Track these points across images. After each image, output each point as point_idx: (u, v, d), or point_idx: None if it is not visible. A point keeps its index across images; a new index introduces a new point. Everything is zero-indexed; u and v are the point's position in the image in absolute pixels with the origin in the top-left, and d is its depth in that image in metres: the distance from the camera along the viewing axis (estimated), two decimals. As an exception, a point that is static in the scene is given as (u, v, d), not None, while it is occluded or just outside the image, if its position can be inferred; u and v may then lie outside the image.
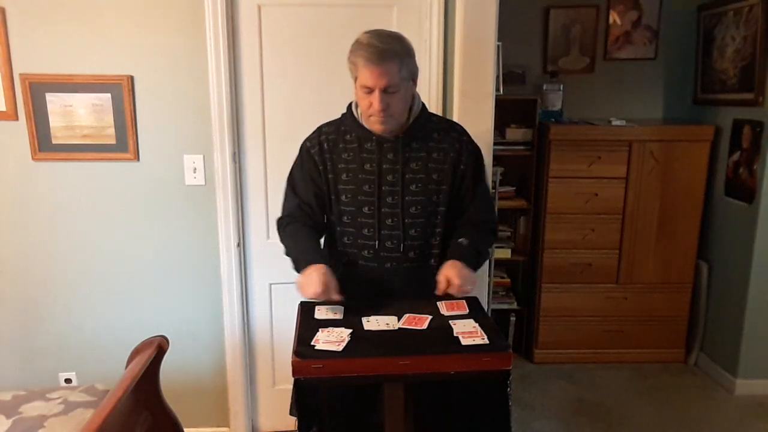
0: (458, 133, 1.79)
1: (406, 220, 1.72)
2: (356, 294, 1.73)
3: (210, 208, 2.43)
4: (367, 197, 1.72)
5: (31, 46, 2.25)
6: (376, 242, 1.73)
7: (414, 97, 1.73)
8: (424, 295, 1.71)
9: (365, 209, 1.72)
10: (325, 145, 1.76)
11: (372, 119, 1.66)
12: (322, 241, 1.86)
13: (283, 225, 1.83)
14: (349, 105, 1.78)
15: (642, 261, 3.32)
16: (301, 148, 1.82)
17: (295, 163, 1.84)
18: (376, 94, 1.59)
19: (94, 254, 2.45)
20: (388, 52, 1.58)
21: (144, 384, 1.81)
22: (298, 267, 1.70)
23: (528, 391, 3.12)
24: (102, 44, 2.26)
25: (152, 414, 1.88)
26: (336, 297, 1.62)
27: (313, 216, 1.79)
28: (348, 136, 1.75)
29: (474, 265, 1.71)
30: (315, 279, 1.60)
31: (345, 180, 1.73)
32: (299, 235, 1.76)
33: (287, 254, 1.78)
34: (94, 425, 1.45)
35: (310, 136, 1.81)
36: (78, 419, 1.76)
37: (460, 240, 1.74)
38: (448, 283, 1.63)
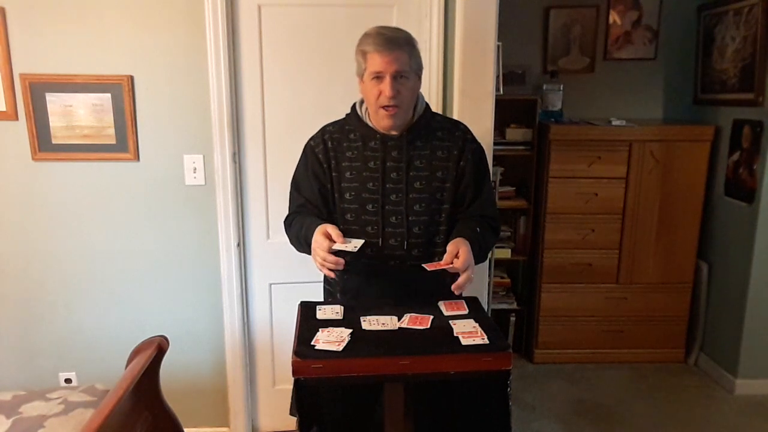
0: (462, 131, 1.79)
1: (410, 218, 1.71)
2: (358, 292, 1.74)
3: (210, 208, 2.43)
4: (371, 195, 1.72)
5: (31, 46, 2.25)
6: (380, 240, 1.72)
7: (418, 95, 1.74)
8: (427, 294, 1.70)
9: (369, 207, 1.72)
10: (329, 143, 1.76)
11: (381, 112, 1.66)
12: None
13: (288, 222, 1.82)
14: (354, 105, 1.79)
15: (642, 261, 3.32)
16: (305, 148, 1.82)
17: (298, 164, 1.83)
18: (387, 80, 1.60)
19: (94, 254, 2.45)
20: (399, 39, 1.61)
21: (144, 384, 1.81)
22: (309, 241, 1.64)
23: (528, 391, 3.12)
24: (102, 44, 2.26)
25: (152, 414, 1.88)
26: (339, 241, 1.55)
27: (318, 214, 1.77)
28: (352, 134, 1.75)
29: (476, 254, 1.65)
30: (318, 240, 1.57)
31: (349, 178, 1.73)
32: (305, 220, 1.72)
33: (296, 244, 1.75)
34: (94, 425, 1.45)
35: (314, 135, 1.81)
36: (78, 419, 1.76)
37: (476, 227, 1.69)
38: (456, 255, 1.56)
